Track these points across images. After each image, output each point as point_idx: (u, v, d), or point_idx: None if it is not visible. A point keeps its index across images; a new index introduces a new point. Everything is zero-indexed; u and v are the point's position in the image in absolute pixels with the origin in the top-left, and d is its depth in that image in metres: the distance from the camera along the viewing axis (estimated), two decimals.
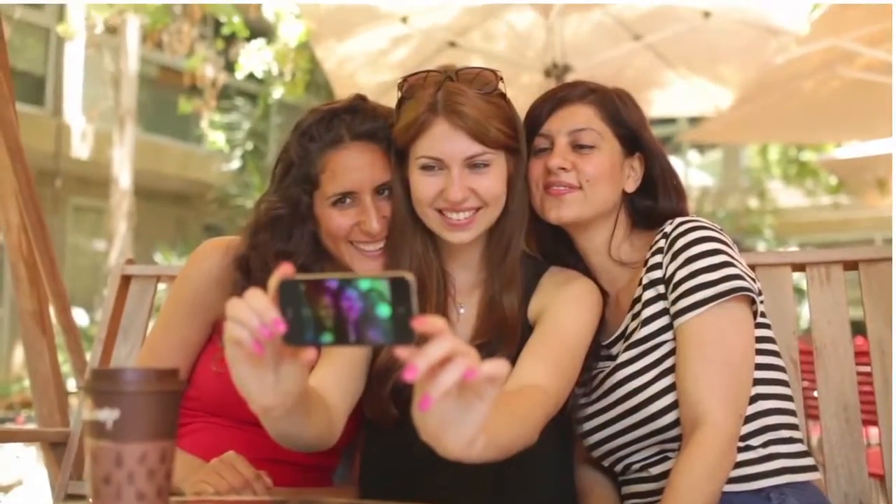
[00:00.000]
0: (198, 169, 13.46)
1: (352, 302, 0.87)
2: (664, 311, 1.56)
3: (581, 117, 1.64)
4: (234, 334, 0.92)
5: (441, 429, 0.92)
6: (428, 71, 1.54)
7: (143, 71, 11.67)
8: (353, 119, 1.67)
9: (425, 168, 1.50)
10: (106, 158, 10.99)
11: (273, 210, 1.71)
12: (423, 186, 1.51)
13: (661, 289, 1.56)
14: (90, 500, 0.90)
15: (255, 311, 0.90)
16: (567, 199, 1.61)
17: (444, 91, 1.48)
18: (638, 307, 1.60)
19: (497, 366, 0.90)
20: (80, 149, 11.97)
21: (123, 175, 10.56)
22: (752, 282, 1.52)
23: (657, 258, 1.58)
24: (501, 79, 1.54)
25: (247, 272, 1.71)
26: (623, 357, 1.58)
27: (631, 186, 1.67)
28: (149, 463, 0.89)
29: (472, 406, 0.91)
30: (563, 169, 1.60)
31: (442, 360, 0.87)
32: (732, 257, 1.54)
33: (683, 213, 1.68)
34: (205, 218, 13.90)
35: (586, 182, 1.60)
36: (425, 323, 0.86)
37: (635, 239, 1.69)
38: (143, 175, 11.53)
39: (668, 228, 1.59)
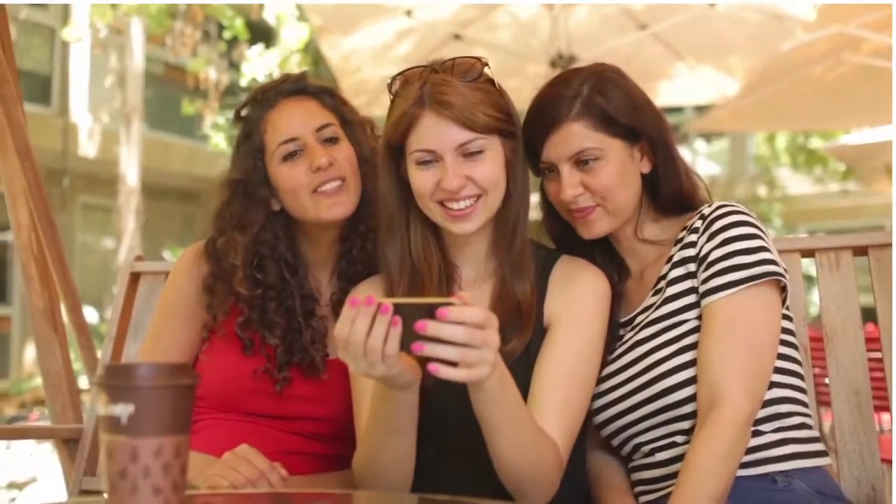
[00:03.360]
0: (205, 165, 13.44)
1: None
2: (690, 290, 1.56)
3: (576, 139, 1.58)
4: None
5: None
6: (413, 67, 1.55)
7: (148, 69, 11.67)
8: (282, 84, 1.81)
9: (421, 163, 1.51)
10: (113, 156, 11.01)
11: (228, 179, 1.78)
12: (421, 180, 1.51)
13: (690, 267, 1.56)
14: (106, 494, 0.91)
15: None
16: (592, 219, 1.61)
17: (428, 84, 1.49)
18: (662, 284, 1.60)
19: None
20: (88, 147, 12.00)
21: (131, 173, 10.58)
22: (784, 270, 1.53)
23: (692, 237, 1.58)
24: (486, 65, 1.54)
25: (215, 256, 1.76)
26: (642, 334, 1.59)
27: (646, 167, 1.65)
28: (164, 457, 0.89)
29: None
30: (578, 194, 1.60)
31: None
32: (768, 244, 1.54)
33: (695, 185, 1.68)
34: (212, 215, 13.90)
35: (602, 199, 1.59)
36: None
37: (664, 219, 1.68)
38: (150, 172, 11.55)
39: (706, 210, 1.59)
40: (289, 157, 1.72)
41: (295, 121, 1.74)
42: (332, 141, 1.74)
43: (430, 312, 1.16)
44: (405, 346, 1.18)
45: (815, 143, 14.03)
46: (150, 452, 0.89)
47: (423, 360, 1.22)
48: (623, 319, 1.67)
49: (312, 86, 1.80)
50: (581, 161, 1.58)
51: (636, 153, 1.64)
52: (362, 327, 1.19)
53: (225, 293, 1.74)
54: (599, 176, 1.58)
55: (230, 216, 1.76)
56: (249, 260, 1.73)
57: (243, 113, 1.81)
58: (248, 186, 1.75)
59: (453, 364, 1.18)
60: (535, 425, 1.39)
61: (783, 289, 1.54)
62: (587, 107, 1.58)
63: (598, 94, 1.59)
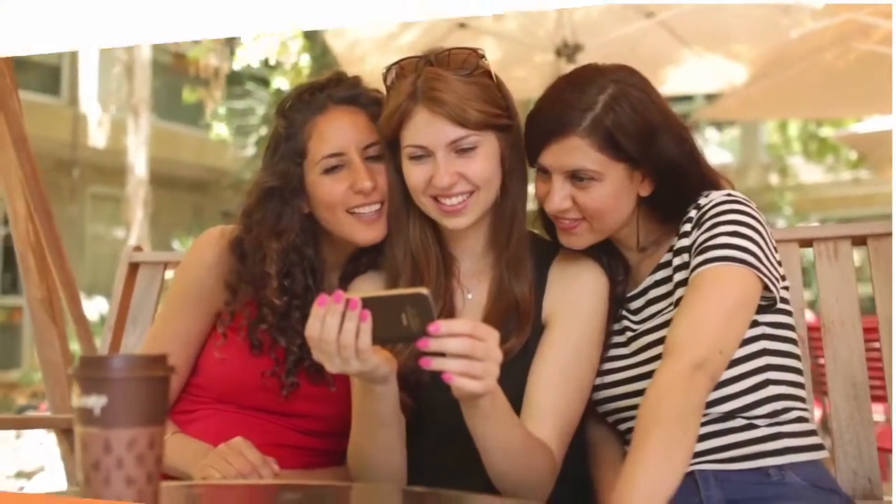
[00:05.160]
0: (213, 156, 13.49)
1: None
2: (685, 282, 1.52)
3: (576, 156, 1.50)
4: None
5: None
6: (409, 57, 1.54)
7: (156, 59, 11.70)
8: (334, 88, 1.72)
9: (413, 157, 1.51)
10: (122, 147, 11.05)
11: (264, 184, 1.71)
12: (414, 175, 1.51)
13: (685, 257, 1.52)
14: (80, 486, 0.91)
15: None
16: (576, 231, 1.56)
17: (422, 78, 1.48)
18: (669, 271, 1.57)
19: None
20: (97, 137, 12.04)
21: (139, 163, 10.63)
22: (769, 268, 1.46)
23: (686, 227, 1.53)
24: (483, 56, 1.52)
25: (241, 256, 1.72)
26: (650, 324, 1.58)
27: (646, 190, 1.57)
28: (137, 448, 0.89)
29: None
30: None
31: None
32: (759, 241, 1.46)
33: (708, 184, 1.61)
34: (221, 204, 13.94)
35: (589, 216, 1.54)
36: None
37: (665, 224, 1.61)
38: (158, 163, 11.59)
39: (701, 201, 1.54)
40: (330, 170, 1.67)
41: (343, 134, 1.67)
42: (377, 159, 1.67)
43: (398, 304, 1.17)
44: (378, 339, 1.20)
45: (827, 131, 13.93)
46: (124, 444, 0.89)
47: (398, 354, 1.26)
48: (628, 294, 1.65)
49: (365, 95, 1.72)
50: (576, 177, 1.52)
51: (637, 175, 1.55)
52: (333, 324, 1.20)
53: (247, 295, 1.71)
54: (592, 196, 1.51)
55: (262, 219, 1.71)
56: (280, 268, 1.69)
57: (286, 108, 1.74)
58: (285, 193, 1.70)
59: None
60: (526, 434, 1.39)
61: (765, 287, 1.46)
62: (596, 125, 1.48)
63: (612, 114, 1.49)
